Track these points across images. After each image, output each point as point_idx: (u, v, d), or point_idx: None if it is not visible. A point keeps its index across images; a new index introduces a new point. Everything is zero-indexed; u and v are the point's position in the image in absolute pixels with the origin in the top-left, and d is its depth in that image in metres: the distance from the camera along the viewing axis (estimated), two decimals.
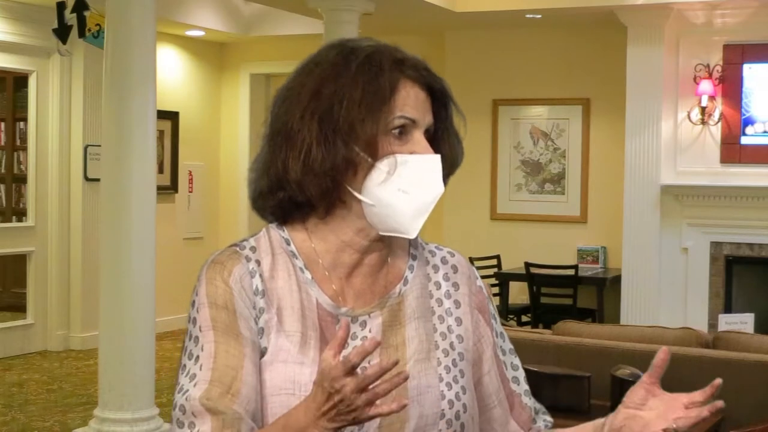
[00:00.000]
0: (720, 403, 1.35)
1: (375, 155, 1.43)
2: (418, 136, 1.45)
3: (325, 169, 1.42)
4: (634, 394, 1.41)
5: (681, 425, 1.36)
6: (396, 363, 1.26)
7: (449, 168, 1.52)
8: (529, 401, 1.61)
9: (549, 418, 1.64)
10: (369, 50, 1.46)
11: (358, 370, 1.27)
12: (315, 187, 1.44)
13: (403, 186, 1.43)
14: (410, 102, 1.45)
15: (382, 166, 1.43)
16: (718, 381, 1.36)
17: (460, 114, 1.53)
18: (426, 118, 1.47)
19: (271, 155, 1.48)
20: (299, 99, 1.45)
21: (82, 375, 7.72)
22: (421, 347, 1.49)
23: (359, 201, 1.45)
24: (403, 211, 1.44)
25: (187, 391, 1.38)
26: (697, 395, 1.37)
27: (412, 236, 1.46)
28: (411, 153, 1.44)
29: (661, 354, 1.39)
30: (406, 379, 1.28)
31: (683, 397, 1.38)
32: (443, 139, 1.51)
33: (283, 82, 1.52)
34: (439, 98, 1.50)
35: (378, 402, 1.26)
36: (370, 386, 1.25)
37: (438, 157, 1.45)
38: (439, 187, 1.45)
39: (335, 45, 1.50)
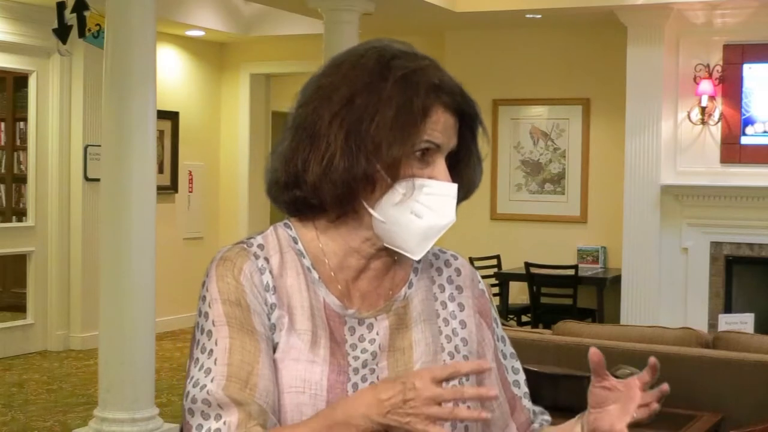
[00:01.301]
0: (665, 387, 1.42)
1: (395, 176, 1.42)
2: (440, 161, 1.45)
3: (344, 180, 1.42)
4: (593, 396, 1.46)
5: (640, 416, 1.42)
6: (495, 398, 1.28)
7: (466, 191, 1.53)
8: (528, 404, 1.62)
9: (547, 417, 1.65)
10: (408, 68, 1.44)
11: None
12: (331, 195, 1.44)
13: (416, 210, 1.44)
14: (439, 127, 1.44)
15: (400, 188, 1.43)
16: (653, 360, 1.42)
17: (486, 135, 1.54)
18: (451, 143, 1.47)
19: (292, 150, 1.47)
20: (330, 102, 1.44)
21: (82, 375, 7.72)
22: (428, 350, 1.50)
23: (371, 214, 1.45)
24: (413, 233, 1.45)
25: (204, 385, 1.38)
26: (645, 376, 1.42)
27: (417, 258, 1.47)
28: (430, 177, 1.44)
29: (594, 357, 1.43)
30: (485, 418, 1.29)
31: (636, 382, 1.43)
32: (465, 161, 1.52)
33: (315, 74, 1.50)
34: (468, 121, 1.50)
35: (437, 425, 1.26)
36: (449, 404, 1.26)
37: (455, 186, 1.46)
38: (451, 216, 1.46)
39: (376, 48, 1.48)
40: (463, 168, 1.51)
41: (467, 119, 1.49)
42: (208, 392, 1.37)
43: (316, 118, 1.44)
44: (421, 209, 1.44)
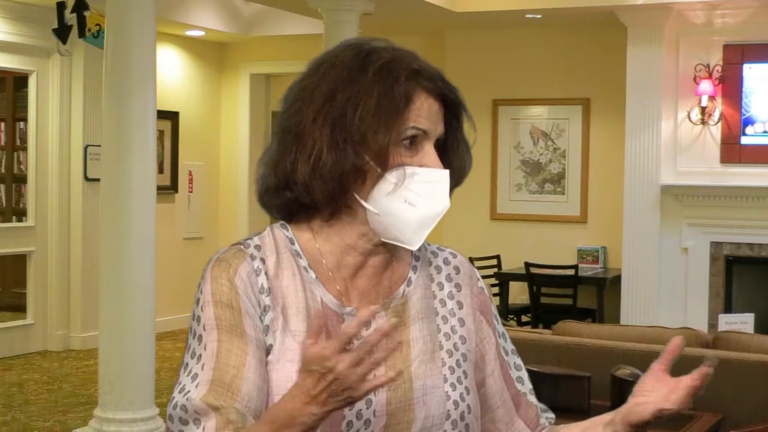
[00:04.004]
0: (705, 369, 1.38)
1: (384, 165, 1.43)
2: (429, 148, 1.45)
3: (334, 174, 1.42)
4: (643, 383, 1.43)
5: (676, 402, 1.39)
6: (394, 327, 1.24)
7: (457, 179, 1.52)
8: (534, 400, 1.62)
9: (550, 415, 1.65)
10: (386, 57, 1.45)
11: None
12: (322, 192, 1.44)
13: (409, 198, 1.43)
14: (423, 113, 1.44)
15: (391, 177, 1.43)
16: (707, 370, 1.38)
17: (472, 123, 1.53)
18: (437, 129, 1.47)
19: (280, 153, 1.47)
20: (312, 100, 1.45)
21: (82, 375, 7.72)
22: (426, 348, 1.49)
23: (365, 208, 1.45)
24: (408, 222, 1.44)
25: (189, 391, 1.38)
26: (697, 377, 1.39)
27: (414, 248, 1.46)
28: (420, 165, 1.44)
29: (675, 340, 1.40)
30: (398, 344, 1.27)
31: (685, 380, 1.40)
32: (453, 149, 1.51)
33: (297, 78, 1.51)
34: (452, 108, 1.50)
35: (372, 375, 1.24)
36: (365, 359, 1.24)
37: (447, 172, 1.46)
38: (445, 202, 1.46)
39: (352, 45, 1.48)
40: (452, 156, 1.51)
41: (452, 106, 1.49)
42: (187, 399, 1.37)
43: (300, 118, 1.45)
44: (415, 197, 1.43)
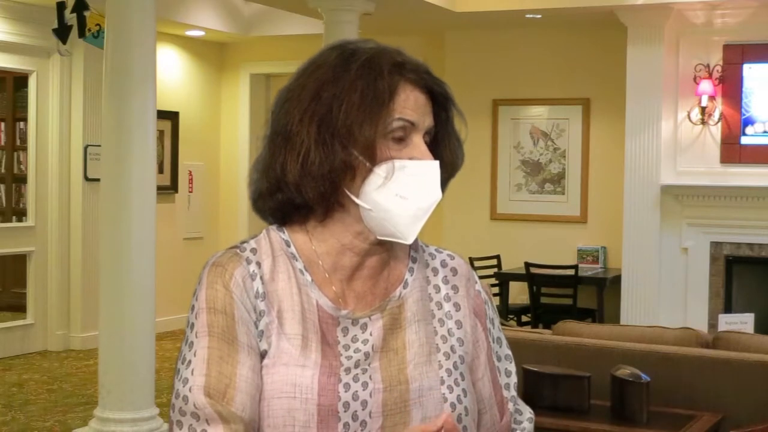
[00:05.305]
0: None
1: (373, 160, 1.43)
2: (417, 140, 1.45)
3: (323, 172, 1.42)
4: None
5: None
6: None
7: (449, 172, 1.52)
8: (512, 407, 1.61)
9: (526, 425, 1.63)
10: (369, 53, 1.46)
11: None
12: (313, 190, 1.44)
13: (400, 191, 1.43)
14: (410, 105, 1.44)
15: (380, 171, 1.43)
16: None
17: (461, 116, 1.53)
18: (426, 121, 1.46)
19: (270, 157, 1.48)
20: (299, 101, 1.45)
21: (82, 375, 7.72)
22: (422, 350, 1.49)
23: (357, 205, 1.45)
24: (401, 216, 1.44)
25: (186, 396, 1.39)
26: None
27: (409, 241, 1.46)
28: (410, 158, 1.44)
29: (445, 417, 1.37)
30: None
31: None
32: (444, 143, 1.51)
33: (285, 84, 1.52)
34: (440, 102, 1.49)
35: None
36: None
37: (437, 163, 1.45)
38: (436, 194, 1.45)
39: (336, 47, 1.49)
40: (443, 150, 1.51)
41: (440, 100, 1.49)
42: (195, 405, 1.38)
43: (288, 119, 1.46)
44: (405, 190, 1.43)
